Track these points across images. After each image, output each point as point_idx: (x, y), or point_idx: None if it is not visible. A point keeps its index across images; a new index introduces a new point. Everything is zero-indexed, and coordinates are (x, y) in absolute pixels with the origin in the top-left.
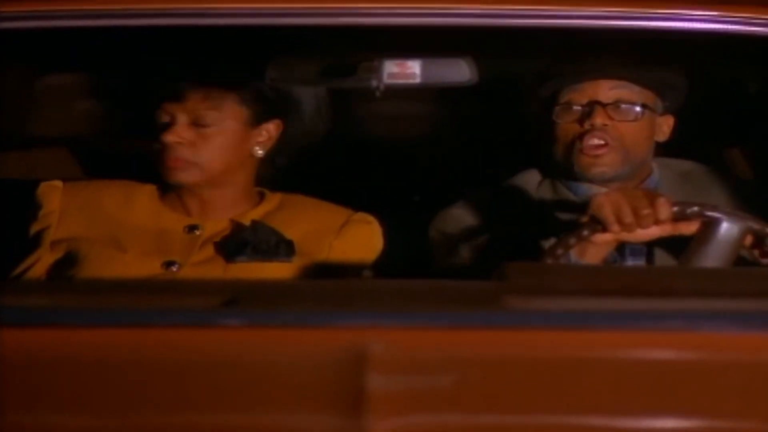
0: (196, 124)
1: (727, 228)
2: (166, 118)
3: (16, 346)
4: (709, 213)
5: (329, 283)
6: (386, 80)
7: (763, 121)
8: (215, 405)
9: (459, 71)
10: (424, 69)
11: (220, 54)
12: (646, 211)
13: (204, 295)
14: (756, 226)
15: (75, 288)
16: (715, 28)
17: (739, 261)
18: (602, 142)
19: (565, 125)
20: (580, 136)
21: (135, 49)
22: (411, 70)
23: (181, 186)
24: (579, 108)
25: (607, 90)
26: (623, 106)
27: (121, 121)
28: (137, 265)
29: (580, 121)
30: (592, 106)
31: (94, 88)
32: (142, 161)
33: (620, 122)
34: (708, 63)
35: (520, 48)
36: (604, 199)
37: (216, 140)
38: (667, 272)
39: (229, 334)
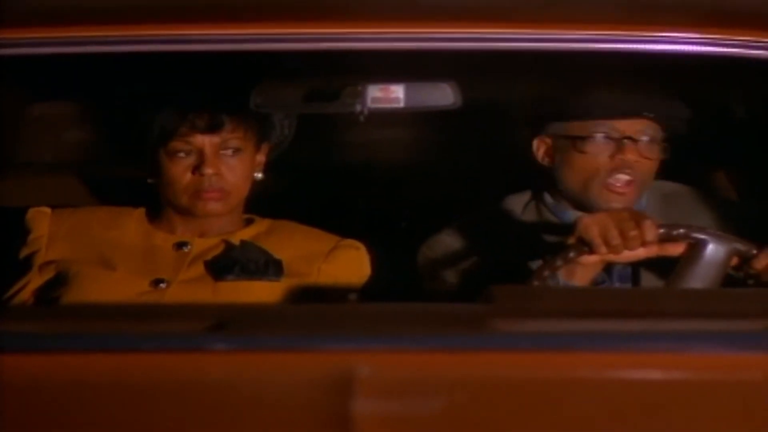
0: (224, 153)
1: (713, 249)
2: (190, 149)
3: (1, 371)
4: (696, 235)
5: (316, 307)
6: (370, 105)
7: (746, 144)
8: (202, 429)
9: (443, 95)
10: (407, 93)
11: (204, 79)
12: (633, 233)
13: (191, 319)
14: (742, 247)
15: (61, 313)
16: (700, 51)
17: (727, 281)
18: (630, 179)
19: (592, 157)
20: (608, 171)
21: (130, 75)
22: (395, 95)
23: (199, 216)
24: (611, 142)
25: (637, 126)
26: (650, 143)
27: (112, 149)
28: (126, 283)
29: (611, 155)
30: (624, 141)
31: (86, 115)
32: (133, 188)
33: (646, 159)
34: (692, 85)
35: (504, 72)
36: (591, 221)
37: (242, 167)
38: (654, 293)
39: (216, 359)
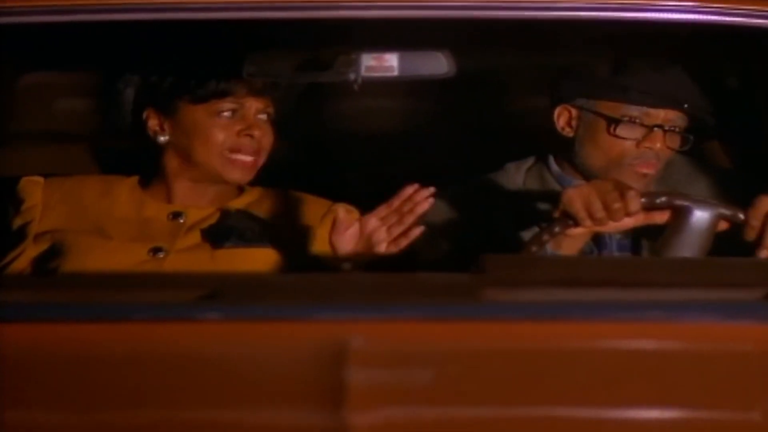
0: (260, 117)
1: (698, 215)
2: (236, 109)
3: None
4: (678, 202)
5: (309, 276)
6: (364, 73)
7: (741, 114)
8: (195, 398)
9: (437, 64)
10: (401, 62)
11: (205, 45)
12: (616, 205)
13: (184, 288)
14: (727, 211)
15: (56, 283)
16: (695, 19)
17: (718, 246)
18: (653, 165)
19: (621, 141)
20: (634, 157)
21: (123, 42)
22: (389, 63)
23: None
24: (643, 128)
25: (670, 115)
26: (676, 134)
27: (106, 117)
28: (123, 252)
29: (638, 141)
30: (654, 129)
31: (79, 84)
32: (128, 159)
33: (669, 149)
34: (687, 55)
35: (498, 40)
36: (574, 194)
37: (271, 133)
38: (646, 263)
39: (208, 328)
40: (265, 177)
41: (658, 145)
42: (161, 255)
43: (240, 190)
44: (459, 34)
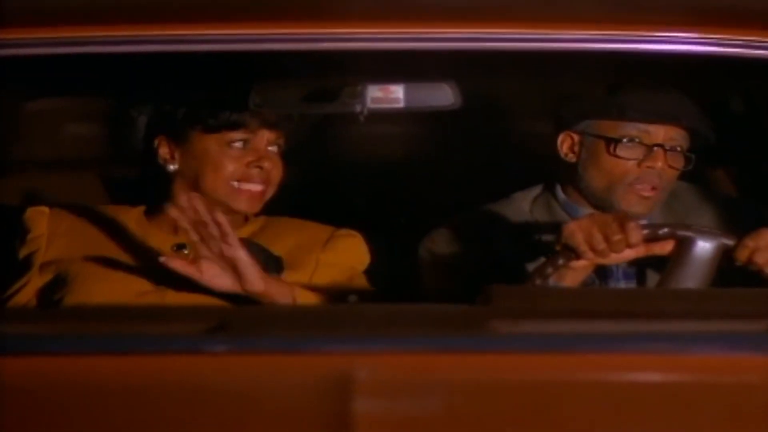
0: (272, 148)
1: (701, 246)
2: (247, 139)
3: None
4: (681, 233)
5: (315, 308)
6: (370, 105)
7: (746, 143)
8: (202, 430)
9: (443, 95)
10: (407, 93)
11: (212, 76)
12: (617, 237)
13: (191, 320)
14: (729, 241)
15: (60, 315)
16: (699, 51)
17: (723, 277)
18: (656, 185)
19: (622, 162)
20: (635, 177)
21: (130, 74)
22: (395, 95)
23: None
24: (643, 147)
25: (666, 134)
26: (678, 152)
27: (112, 147)
28: (126, 283)
29: (640, 161)
30: (654, 149)
31: (85, 113)
32: (135, 186)
33: (671, 168)
34: (692, 84)
35: (503, 72)
36: (575, 227)
37: (280, 165)
38: (653, 294)
39: (215, 361)
40: (271, 203)
41: (659, 164)
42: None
43: (245, 219)
44: (464, 65)
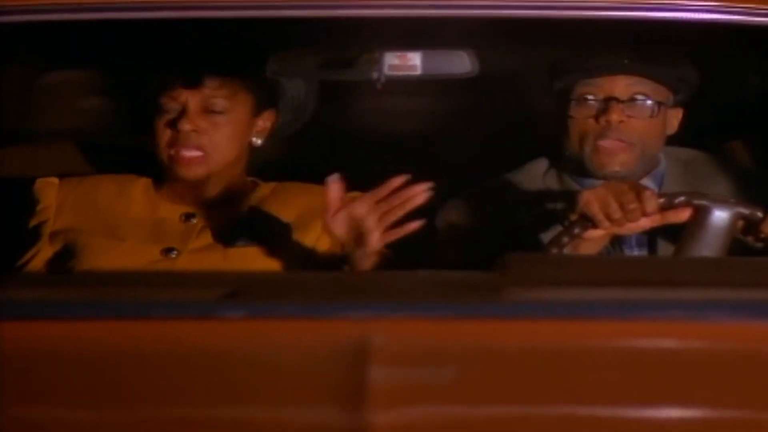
0: (209, 111)
1: (717, 215)
2: (175, 105)
3: (15, 339)
4: (697, 201)
5: (330, 274)
6: (387, 72)
7: (764, 113)
8: (216, 397)
9: (460, 63)
10: (425, 61)
11: (224, 45)
12: (632, 206)
13: (204, 286)
14: (746, 211)
15: (74, 280)
16: (717, 19)
17: (738, 247)
18: (619, 139)
19: (580, 120)
20: (596, 134)
21: (138, 42)
22: (412, 62)
23: (186, 181)
24: (595, 103)
25: (623, 86)
26: (639, 102)
27: (123, 117)
28: (135, 253)
29: (596, 117)
30: (609, 102)
31: (97, 83)
32: (142, 157)
33: (636, 119)
34: (710, 54)
35: (521, 39)
36: (591, 196)
37: (227, 129)
38: (668, 262)
39: (229, 326)
40: (286, 175)
41: (614, 116)
42: (173, 255)
43: (253, 185)
44: (483, 32)
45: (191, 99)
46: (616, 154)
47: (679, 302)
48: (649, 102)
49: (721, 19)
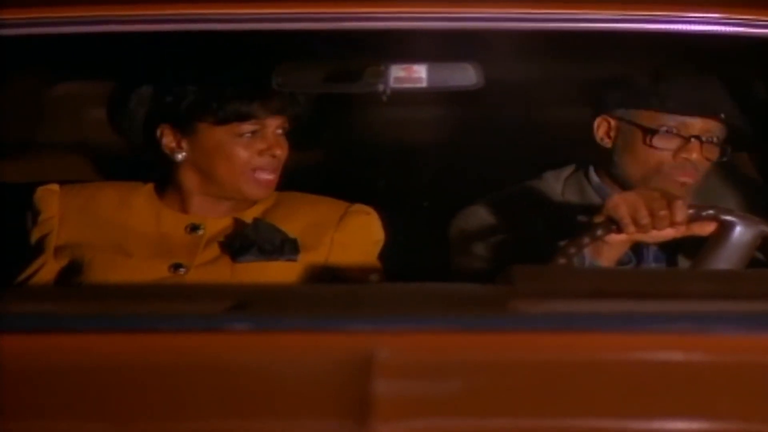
0: (278, 131)
1: (740, 231)
2: (256, 128)
3: (23, 351)
4: (724, 216)
5: (336, 287)
6: (393, 84)
7: None
8: (222, 410)
9: (465, 76)
10: (430, 73)
11: (228, 59)
12: (662, 213)
13: (211, 299)
14: None
15: (81, 294)
16: (718, 30)
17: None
18: (690, 176)
19: (657, 151)
20: (672, 166)
21: (144, 54)
22: (417, 75)
23: (182, 192)
24: (680, 138)
25: (708, 126)
26: (713, 144)
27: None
28: (143, 270)
29: (675, 152)
30: (691, 140)
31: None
32: (147, 168)
33: (706, 159)
34: (713, 66)
35: (526, 52)
36: (620, 200)
37: (287, 146)
38: (677, 274)
39: (235, 339)
40: (292, 186)
41: (695, 155)
42: (182, 271)
43: None
44: (488, 45)
45: (275, 124)
46: (686, 187)
47: (685, 315)
48: (718, 145)
49: (724, 31)
